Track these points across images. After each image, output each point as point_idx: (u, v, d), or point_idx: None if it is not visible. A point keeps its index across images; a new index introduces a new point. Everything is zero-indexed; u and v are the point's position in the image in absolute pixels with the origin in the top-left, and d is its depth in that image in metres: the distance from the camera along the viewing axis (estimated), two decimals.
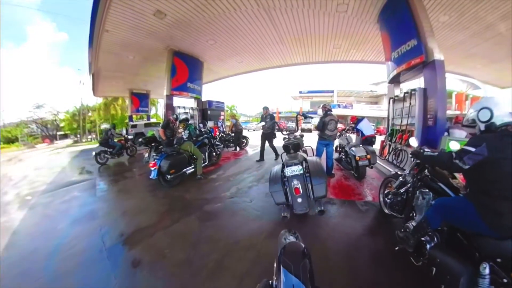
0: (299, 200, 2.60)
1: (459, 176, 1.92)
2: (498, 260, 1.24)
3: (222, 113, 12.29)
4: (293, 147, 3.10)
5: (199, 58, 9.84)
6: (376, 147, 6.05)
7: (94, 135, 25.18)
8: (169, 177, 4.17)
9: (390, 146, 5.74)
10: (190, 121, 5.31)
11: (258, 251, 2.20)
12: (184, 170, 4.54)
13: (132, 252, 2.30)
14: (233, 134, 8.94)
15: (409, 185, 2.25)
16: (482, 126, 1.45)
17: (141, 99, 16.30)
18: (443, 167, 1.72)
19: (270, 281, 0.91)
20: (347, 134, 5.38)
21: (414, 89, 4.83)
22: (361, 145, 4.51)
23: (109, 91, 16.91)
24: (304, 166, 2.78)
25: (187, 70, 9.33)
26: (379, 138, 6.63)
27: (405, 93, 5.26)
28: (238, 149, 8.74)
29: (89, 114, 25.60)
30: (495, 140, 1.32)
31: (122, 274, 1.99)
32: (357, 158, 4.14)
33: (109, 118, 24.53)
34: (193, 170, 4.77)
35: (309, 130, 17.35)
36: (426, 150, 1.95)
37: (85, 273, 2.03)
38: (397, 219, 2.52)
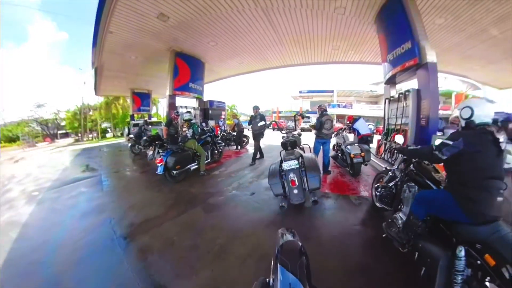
0: (295, 191, 2.85)
1: (442, 171, 2.11)
2: (478, 246, 1.35)
3: (223, 112, 12.52)
4: (290, 144, 3.40)
5: (201, 59, 10.05)
6: (374, 146, 6.26)
7: (95, 134, 25.31)
8: (174, 172, 4.38)
9: (385, 144, 5.95)
10: (193, 121, 5.51)
11: (258, 237, 2.42)
12: (189, 166, 4.77)
13: (142, 239, 2.48)
14: (234, 133, 9.17)
15: (397, 179, 2.45)
16: (463, 123, 1.62)
17: (142, 99, 16.54)
18: (425, 158, 1.91)
19: (267, 279, 0.90)
20: (344, 134, 5.58)
21: (408, 90, 5.03)
22: (356, 143, 4.72)
23: (111, 90, 17.08)
24: (300, 161, 3.04)
25: (189, 71, 9.54)
26: (378, 138, 6.82)
27: (399, 94, 5.46)
28: (239, 147, 8.97)
29: (90, 113, 25.74)
30: (472, 136, 1.49)
31: (134, 259, 2.15)
32: (352, 156, 4.35)
33: (110, 117, 24.70)
34: (196, 166, 4.99)
35: (310, 130, 17.53)
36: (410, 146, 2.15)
37: (98, 259, 2.17)
38: (387, 212, 2.71)
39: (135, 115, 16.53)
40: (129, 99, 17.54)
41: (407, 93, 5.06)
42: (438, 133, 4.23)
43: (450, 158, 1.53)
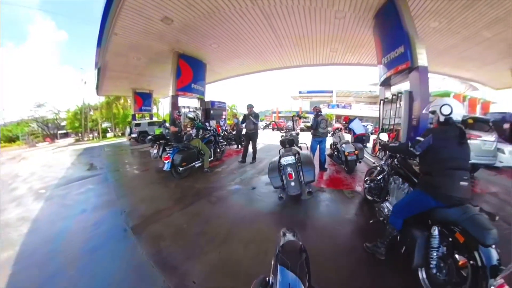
0: (292, 183, 3.15)
1: None
2: (456, 229, 1.52)
3: (224, 112, 12.80)
4: (288, 142, 3.73)
5: (203, 60, 10.31)
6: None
7: (96, 134, 25.44)
8: (180, 169, 4.65)
9: (379, 143, 6.20)
10: (196, 120, 5.79)
11: (260, 224, 2.71)
12: (194, 163, 5.05)
13: (154, 228, 2.70)
14: (234, 132, 9.42)
15: (385, 173, 2.72)
16: (442, 118, 1.82)
17: (144, 99, 16.77)
18: (402, 153, 2.19)
19: (267, 278, 0.90)
20: (340, 133, 5.86)
21: (400, 92, 5.30)
22: (350, 142, 5.01)
23: (112, 90, 17.30)
24: (296, 157, 3.34)
25: (191, 72, 9.80)
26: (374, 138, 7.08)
27: (393, 95, 5.73)
28: (239, 146, 9.21)
29: (91, 113, 25.87)
30: (440, 133, 1.75)
31: (147, 245, 2.34)
32: (346, 153, 4.65)
33: (110, 117, 24.87)
34: (200, 163, 5.27)
35: (308, 130, 17.75)
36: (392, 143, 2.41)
37: (113, 247, 2.31)
38: (376, 204, 2.96)
39: (137, 115, 16.78)
40: (130, 99, 17.71)
41: (400, 95, 5.33)
42: None
43: (422, 153, 1.77)
